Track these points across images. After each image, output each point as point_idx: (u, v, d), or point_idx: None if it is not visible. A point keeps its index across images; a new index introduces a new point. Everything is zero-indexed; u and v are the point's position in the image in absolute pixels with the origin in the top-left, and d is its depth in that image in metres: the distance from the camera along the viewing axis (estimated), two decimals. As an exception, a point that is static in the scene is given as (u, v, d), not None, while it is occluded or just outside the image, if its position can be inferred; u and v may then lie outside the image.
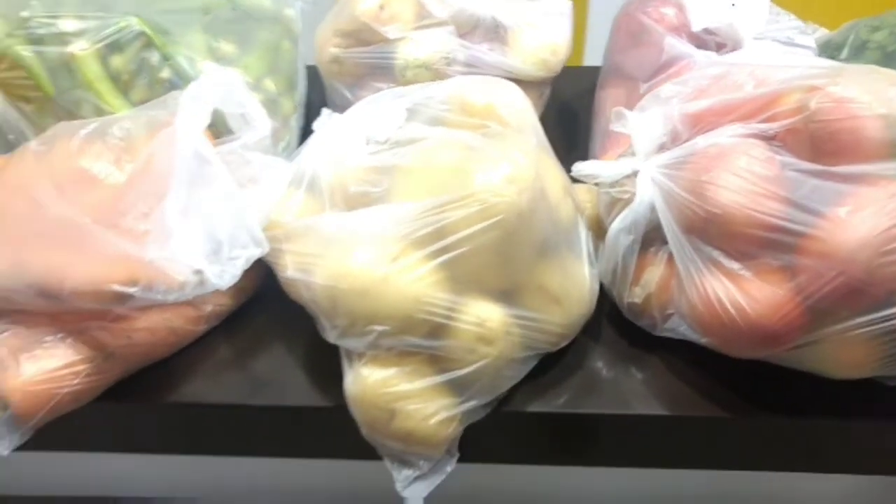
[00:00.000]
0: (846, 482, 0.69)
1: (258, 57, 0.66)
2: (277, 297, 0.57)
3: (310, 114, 0.71)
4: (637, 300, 0.54)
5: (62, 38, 0.61)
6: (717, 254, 0.48)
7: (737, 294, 0.47)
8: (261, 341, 0.58)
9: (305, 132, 0.70)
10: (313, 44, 0.71)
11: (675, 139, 0.52)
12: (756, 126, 0.49)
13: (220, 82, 0.51)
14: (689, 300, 0.50)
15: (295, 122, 0.68)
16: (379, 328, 0.47)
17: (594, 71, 0.75)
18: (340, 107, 0.60)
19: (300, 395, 0.55)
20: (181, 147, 0.49)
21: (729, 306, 0.47)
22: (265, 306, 0.60)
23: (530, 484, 0.71)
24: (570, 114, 0.77)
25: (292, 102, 0.67)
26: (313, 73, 0.73)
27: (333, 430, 0.55)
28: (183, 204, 0.48)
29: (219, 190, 0.49)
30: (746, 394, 0.53)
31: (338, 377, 0.52)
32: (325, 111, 0.58)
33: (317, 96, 0.74)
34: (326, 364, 0.54)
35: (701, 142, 0.50)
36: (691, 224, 0.49)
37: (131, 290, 0.47)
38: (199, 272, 0.46)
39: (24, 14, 0.61)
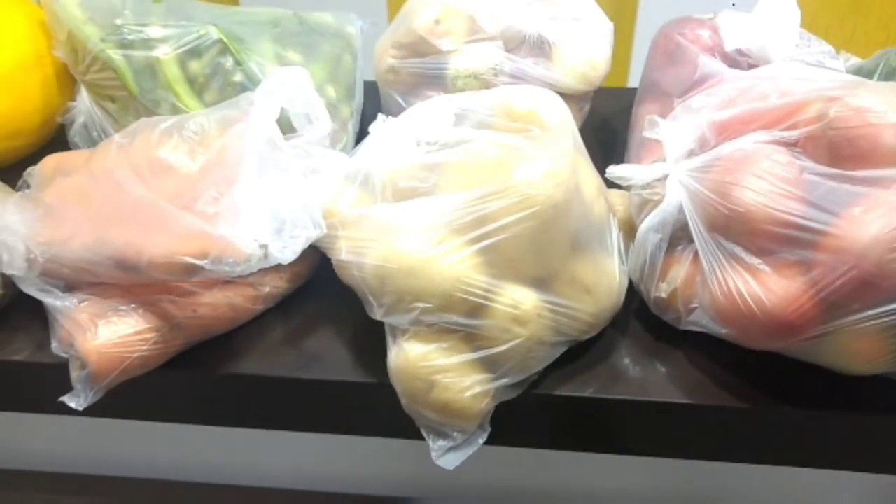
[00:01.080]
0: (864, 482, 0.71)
1: (321, 66, 0.72)
2: (328, 285, 0.62)
3: (364, 122, 0.77)
4: (663, 295, 0.57)
5: (149, 44, 0.68)
6: (738, 250, 0.52)
7: (755, 286, 0.50)
8: (312, 323, 0.63)
9: (360, 138, 0.75)
10: (371, 59, 0.77)
11: (703, 145, 0.56)
12: (778, 133, 0.53)
13: (291, 80, 0.56)
14: (711, 294, 0.53)
15: (351, 128, 0.73)
16: (422, 305, 0.52)
17: (635, 92, 0.79)
18: (395, 113, 0.65)
19: (347, 371, 0.59)
20: (254, 134, 0.55)
21: (748, 298, 0.50)
22: (317, 292, 0.65)
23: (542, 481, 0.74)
24: (609, 129, 0.81)
25: (350, 109, 0.73)
26: (369, 88, 0.79)
27: (375, 405, 0.59)
28: (252, 187, 0.53)
29: (285, 175, 0.54)
30: (764, 385, 0.56)
31: (380, 357, 0.57)
32: (380, 116, 0.63)
33: (371, 108, 0.80)
34: (371, 345, 0.59)
35: (727, 147, 0.54)
36: (716, 222, 0.53)
37: (202, 262, 0.52)
38: (263, 246, 0.51)
39: (118, 21, 0.68)
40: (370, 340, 0.59)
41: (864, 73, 0.71)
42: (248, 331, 0.62)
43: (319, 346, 0.61)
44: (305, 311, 0.64)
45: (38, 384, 0.63)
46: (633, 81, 1.21)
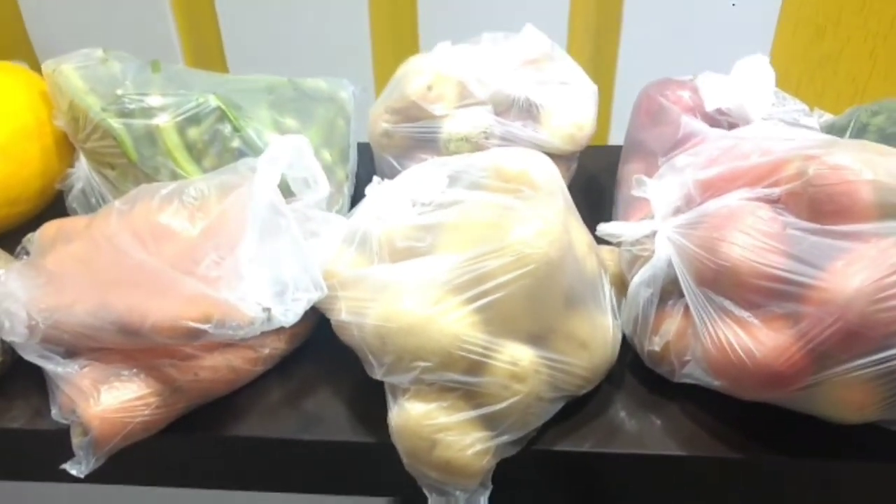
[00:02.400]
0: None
1: (316, 131, 0.74)
2: (325, 344, 0.63)
3: (359, 184, 0.79)
4: (657, 348, 0.58)
5: (148, 112, 0.70)
6: (727, 303, 0.53)
7: (745, 339, 0.52)
8: (310, 383, 0.64)
9: (354, 199, 0.77)
10: (364, 121, 0.79)
11: (689, 203, 0.58)
12: (761, 191, 0.55)
13: (292, 147, 0.58)
14: (703, 346, 0.54)
15: (346, 190, 0.75)
16: (422, 364, 0.53)
17: (618, 149, 0.82)
18: (389, 175, 0.67)
19: (347, 431, 0.60)
20: (257, 199, 0.56)
21: (738, 350, 0.52)
22: (314, 352, 0.66)
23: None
24: (595, 186, 0.83)
25: (345, 172, 0.75)
26: (361, 150, 0.81)
27: (377, 465, 0.59)
28: (254, 251, 0.55)
29: (287, 239, 0.56)
30: (759, 435, 0.57)
31: (380, 416, 0.58)
32: (375, 178, 0.65)
33: (364, 170, 0.82)
34: (370, 404, 0.60)
35: (712, 205, 0.56)
36: (704, 277, 0.55)
37: (205, 326, 0.53)
38: (267, 310, 0.52)
39: (119, 91, 0.70)
40: (369, 400, 0.60)
41: (837, 129, 0.74)
42: (247, 392, 0.62)
43: (319, 406, 0.62)
44: (304, 372, 0.65)
45: (36, 452, 0.63)
46: (614, 139, 1.25)
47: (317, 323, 0.65)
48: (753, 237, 0.53)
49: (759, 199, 0.55)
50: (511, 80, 0.72)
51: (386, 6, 1.27)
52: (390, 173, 0.73)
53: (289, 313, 0.53)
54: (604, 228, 0.60)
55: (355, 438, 0.59)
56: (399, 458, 0.56)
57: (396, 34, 1.30)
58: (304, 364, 0.65)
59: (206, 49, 1.34)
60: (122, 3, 1.27)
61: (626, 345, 0.61)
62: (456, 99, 0.72)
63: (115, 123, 0.70)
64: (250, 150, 0.70)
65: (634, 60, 1.27)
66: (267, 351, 0.62)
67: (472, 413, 0.53)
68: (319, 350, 0.65)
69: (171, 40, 1.31)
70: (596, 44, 1.28)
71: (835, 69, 1.30)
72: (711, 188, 0.57)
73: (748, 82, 0.70)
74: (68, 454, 0.57)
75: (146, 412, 0.57)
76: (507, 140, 0.70)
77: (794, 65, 1.28)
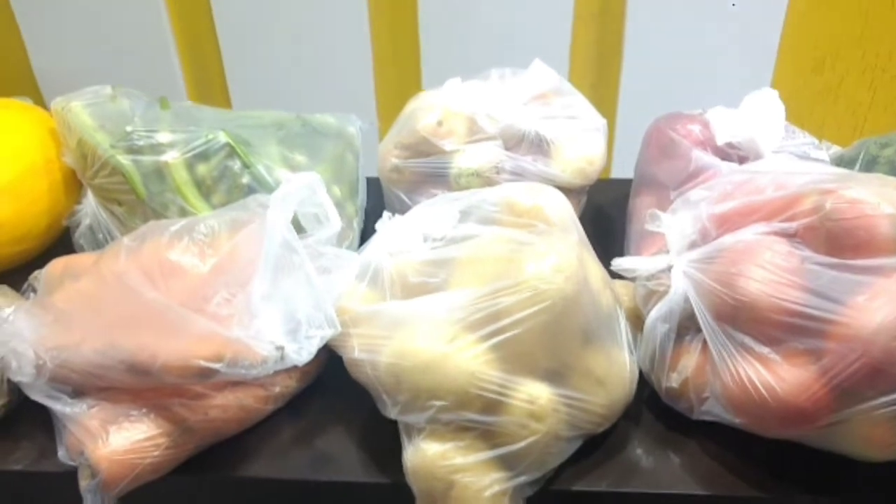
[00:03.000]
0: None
1: (325, 166, 0.73)
2: (335, 382, 0.63)
3: (367, 219, 0.79)
4: (675, 385, 0.58)
5: (157, 149, 0.70)
6: (747, 339, 0.53)
7: (767, 375, 0.51)
8: (320, 422, 0.63)
9: (364, 234, 0.77)
10: (373, 156, 0.79)
11: (704, 237, 0.58)
12: (777, 225, 0.54)
13: (305, 183, 0.58)
14: (722, 383, 0.54)
15: (356, 225, 0.75)
16: (438, 403, 0.52)
17: (622, 182, 0.82)
18: (398, 210, 0.66)
19: (360, 471, 0.59)
20: (270, 236, 0.56)
21: (760, 387, 0.51)
22: (323, 390, 0.65)
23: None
24: (605, 219, 0.83)
25: (354, 207, 0.75)
26: (370, 184, 0.81)
27: (390, 505, 0.58)
28: (267, 288, 0.54)
29: (301, 276, 0.55)
30: (780, 474, 0.56)
31: (393, 456, 0.57)
32: (385, 213, 0.65)
33: (372, 204, 0.82)
34: (381, 443, 0.59)
35: (728, 239, 0.56)
36: (722, 312, 0.54)
37: (217, 365, 0.52)
38: (280, 348, 0.52)
39: (128, 128, 0.70)
40: (381, 439, 0.59)
41: (846, 161, 0.74)
42: (257, 431, 0.61)
43: (330, 445, 0.61)
44: (314, 410, 0.64)
45: (40, 494, 0.62)
46: (616, 172, 1.25)
47: (325, 361, 0.64)
48: (771, 272, 0.52)
49: (775, 234, 0.54)
50: (520, 114, 0.72)
51: (388, 42, 1.29)
52: (400, 208, 0.73)
53: (302, 351, 0.52)
54: (619, 263, 0.60)
55: (368, 479, 0.58)
56: (414, 498, 0.55)
57: (399, 68, 1.31)
58: (314, 402, 0.64)
59: (209, 84, 1.35)
60: (126, 39, 1.28)
61: (643, 381, 0.60)
62: (466, 134, 0.72)
63: (124, 160, 0.70)
64: (260, 186, 0.70)
65: (635, 94, 1.28)
66: (277, 389, 0.61)
67: (490, 453, 0.52)
68: (329, 387, 0.65)
69: (174, 76, 1.32)
70: (597, 77, 1.29)
71: (835, 101, 1.31)
72: (727, 222, 0.57)
73: (758, 116, 0.70)
74: (75, 497, 0.55)
75: (156, 453, 0.56)
76: (518, 175, 0.70)
77: (793, 97, 1.29)
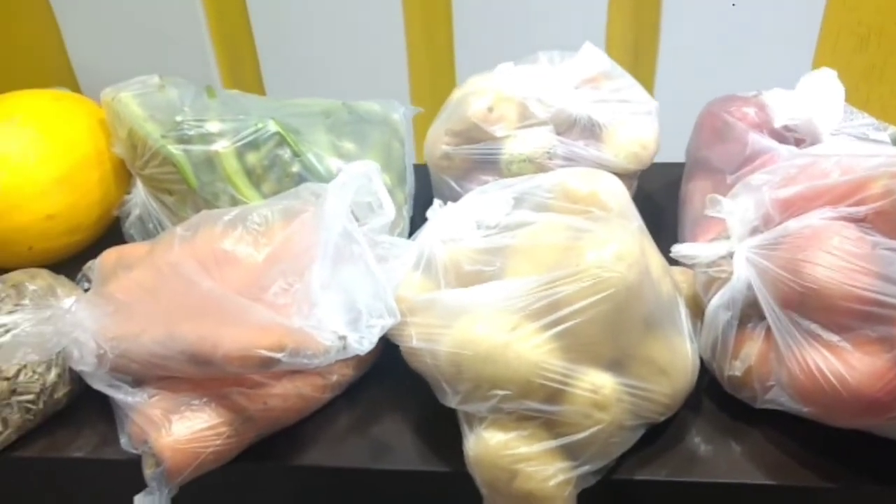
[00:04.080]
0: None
1: (374, 154, 0.73)
2: (389, 370, 0.62)
3: (415, 206, 0.78)
4: (737, 373, 0.57)
5: (208, 138, 0.70)
6: (815, 327, 0.52)
7: (837, 364, 0.50)
8: (377, 410, 0.63)
9: (412, 221, 0.76)
10: (418, 144, 0.79)
11: (767, 223, 0.57)
12: (845, 209, 0.53)
13: (362, 172, 0.58)
14: (789, 371, 0.53)
15: (406, 213, 0.74)
16: (500, 392, 0.51)
17: (667, 166, 0.81)
18: (447, 198, 0.66)
19: (418, 460, 0.58)
20: (330, 226, 0.55)
21: (830, 376, 0.50)
22: (378, 378, 0.65)
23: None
24: (654, 205, 0.82)
25: (403, 195, 0.74)
26: (416, 171, 0.81)
27: (451, 495, 0.58)
28: (326, 277, 0.54)
29: (361, 265, 0.55)
30: (846, 463, 0.55)
31: (450, 444, 0.56)
32: (436, 201, 0.65)
33: (419, 192, 0.81)
34: (439, 432, 0.59)
35: (793, 224, 0.55)
36: (788, 299, 0.53)
37: (279, 355, 0.52)
38: (342, 338, 0.51)
39: (178, 118, 0.70)
40: (438, 427, 0.59)
41: (906, 142, 0.73)
42: (314, 420, 0.62)
43: (387, 433, 0.61)
44: (370, 398, 0.64)
45: (100, 481, 0.63)
46: (658, 156, 1.24)
47: (382, 348, 0.64)
48: (841, 258, 0.51)
49: (843, 219, 0.53)
50: (571, 99, 0.71)
51: (422, 28, 1.27)
52: (450, 195, 0.72)
53: (364, 341, 0.52)
54: (679, 250, 0.59)
55: (426, 468, 0.58)
56: (471, 487, 0.55)
57: (433, 55, 1.30)
58: (370, 390, 0.64)
59: (242, 73, 1.35)
60: (161, 28, 1.28)
61: (703, 369, 0.59)
62: (517, 120, 0.71)
63: (175, 150, 0.70)
64: (310, 174, 0.70)
65: (672, 77, 1.26)
66: (335, 378, 0.61)
67: (553, 443, 0.52)
68: (385, 376, 0.64)
69: (208, 65, 1.32)
70: (633, 60, 1.27)
71: (879, 79, 1.28)
72: (791, 207, 0.56)
73: (816, 97, 0.68)
74: (134, 483, 0.56)
75: (217, 442, 0.56)
76: (571, 160, 0.69)
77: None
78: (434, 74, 1.33)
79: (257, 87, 1.34)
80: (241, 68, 1.34)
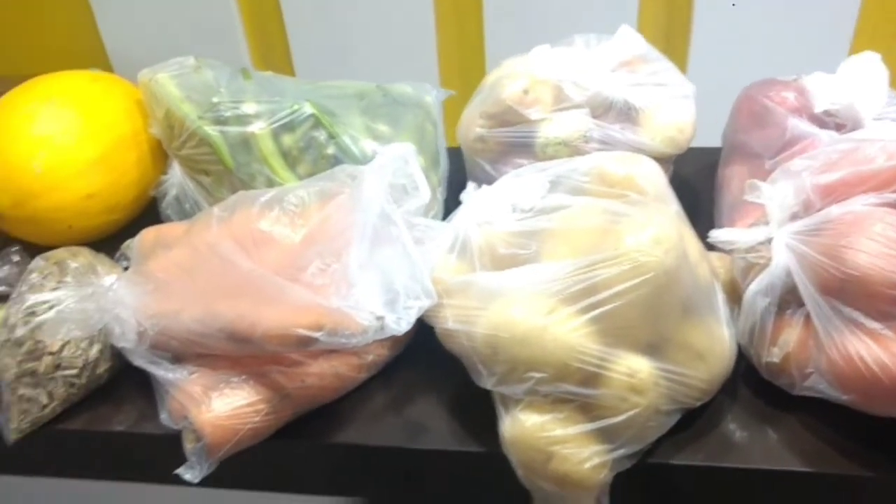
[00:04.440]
0: None
1: (408, 136, 0.73)
2: (423, 351, 0.63)
3: (447, 189, 0.78)
4: (775, 360, 0.56)
5: (243, 120, 0.70)
6: (856, 314, 0.51)
7: (879, 352, 0.50)
8: (412, 390, 0.63)
9: (445, 204, 0.77)
10: (452, 127, 0.78)
11: (807, 208, 0.56)
12: (889, 196, 0.53)
13: (399, 154, 0.58)
14: (829, 359, 0.52)
15: (440, 196, 0.74)
16: (537, 374, 0.52)
17: (704, 151, 0.80)
18: (481, 180, 0.66)
19: (454, 440, 0.59)
20: (368, 207, 0.56)
21: (871, 364, 0.50)
22: (413, 359, 0.65)
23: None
24: (689, 189, 0.81)
25: (437, 177, 0.74)
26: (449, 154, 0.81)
27: (486, 475, 0.59)
28: (363, 258, 0.54)
29: (398, 247, 0.55)
30: (888, 451, 0.54)
31: (485, 426, 0.57)
32: (470, 184, 0.65)
33: (451, 175, 0.81)
34: (473, 413, 0.59)
35: (835, 210, 0.54)
36: (829, 286, 0.52)
37: (317, 334, 0.53)
38: (380, 318, 0.52)
39: (215, 99, 0.70)
40: (472, 408, 0.60)
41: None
42: (350, 399, 0.62)
43: (421, 414, 0.61)
44: (405, 379, 0.64)
45: (139, 455, 0.64)
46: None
47: (417, 329, 0.64)
48: (884, 244, 0.50)
49: (887, 205, 0.52)
50: (607, 82, 0.70)
51: (451, 11, 1.27)
52: (484, 178, 0.72)
53: (401, 322, 0.53)
54: (717, 235, 0.59)
55: (461, 448, 0.59)
56: (505, 468, 0.55)
57: (462, 40, 1.30)
58: (404, 371, 0.64)
59: (272, 54, 1.35)
60: (191, 9, 1.29)
61: (739, 355, 0.59)
62: (552, 102, 0.71)
63: (212, 131, 0.70)
64: (345, 156, 0.70)
65: (706, 61, 1.24)
66: (371, 358, 0.62)
67: (589, 426, 0.52)
68: (418, 357, 0.65)
69: (238, 46, 1.33)
70: (665, 45, 1.25)
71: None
72: (833, 193, 0.55)
73: (859, 81, 0.67)
74: (171, 457, 0.57)
75: (256, 419, 0.57)
76: (606, 144, 0.69)
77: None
78: (463, 59, 1.32)
79: (287, 68, 1.35)
80: (272, 50, 1.35)
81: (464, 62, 1.33)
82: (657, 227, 0.53)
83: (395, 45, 1.30)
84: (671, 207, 0.57)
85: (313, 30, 1.31)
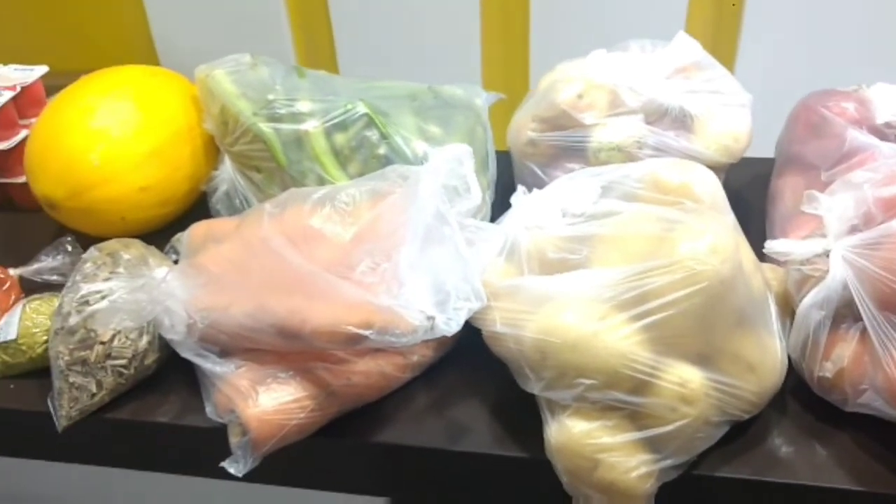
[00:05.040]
0: None
1: (458, 138, 0.73)
2: (466, 354, 0.63)
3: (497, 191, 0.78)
4: (828, 375, 0.55)
5: (298, 118, 0.71)
6: (916, 330, 0.50)
7: (940, 370, 0.48)
8: (455, 393, 0.63)
9: (493, 207, 0.76)
10: (495, 130, 0.78)
11: (867, 222, 0.55)
12: (954, 211, 0.51)
13: (454, 156, 0.58)
14: (886, 375, 0.51)
15: (488, 198, 0.74)
16: (587, 381, 0.51)
17: (754, 161, 0.79)
18: (531, 185, 0.65)
19: (497, 444, 0.59)
20: (422, 207, 0.56)
21: (932, 382, 0.48)
22: (456, 361, 0.65)
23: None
24: (740, 200, 0.80)
25: (486, 180, 0.74)
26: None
27: (528, 481, 0.58)
28: (415, 258, 0.54)
29: (450, 247, 0.55)
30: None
31: (529, 431, 0.57)
32: (520, 188, 0.64)
33: (497, 177, 0.81)
34: (516, 417, 0.59)
35: (897, 224, 0.53)
36: (888, 301, 0.51)
37: (367, 332, 0.53)
38: (431, 318, 0.52)
39: (270, 97, 0.71)
40: (515, 412, 0.59)
41: None
42: (393, 399, 0.62)
43: (464, 416, 0.61)
44: (448, 381, 0.64)
45: (184, 445, 0.65)
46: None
47: (462, 332, 0.64)
48: (948, 261, 0.49)
49: (951, 221, 0.51)
50: (663, 88, 0.70)
51: (498, 14, 1.27)
52: (533, 182, 0.72)
53: (451, 322, 0.53)
54: (773, 246, 0.58)
55: (504, 452, 0.58)
56: (550, 475, 0.55)
57: (507, 43, 1.30)
58: (448, 373, 0.64)
59: (317, 53, 1.36)
60: (240, 8, 1.31)
61: (789, 369, 0.58)
62: (606, 108, 0.70)
63: (266, 128, 0.71)
64: (397, 157, 0.70)
65: (752, 71, 1.23)
66: (416, 358, 0.62)
67: (637, 434, 0.52)
68: (462, 359, 0.65)
69: (284, 44, 1.34)
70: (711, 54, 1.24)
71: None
72: (895, 207, 0.54)
73: (923, 93, 0.66)
74: (213, 450, 0.58)
75: (301, 415, 0.57)
76: (660, 150, 0.68)
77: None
78: (507, 63, 1.32)
79: (331, 68, 1.36)
80: (317, 48, 1.36)
81: (508, 66, 1.33)
82: (714, 235, 0.52)
83: (440, 48, 1.31)
84: (729, 216, 0.56)
85: (359, 30, 1.32)
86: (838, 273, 0.54)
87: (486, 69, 1.33)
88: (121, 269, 0.66)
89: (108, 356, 0.62)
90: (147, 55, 1.38)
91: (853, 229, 0.56)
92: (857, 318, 0.54)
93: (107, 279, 0.65)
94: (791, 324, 0.58)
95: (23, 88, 0.84)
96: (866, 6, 1.16)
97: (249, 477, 0.57)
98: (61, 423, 0.62)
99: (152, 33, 1.39)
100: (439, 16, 1.28)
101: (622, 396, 0.51)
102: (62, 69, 0.92)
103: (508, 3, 1.26)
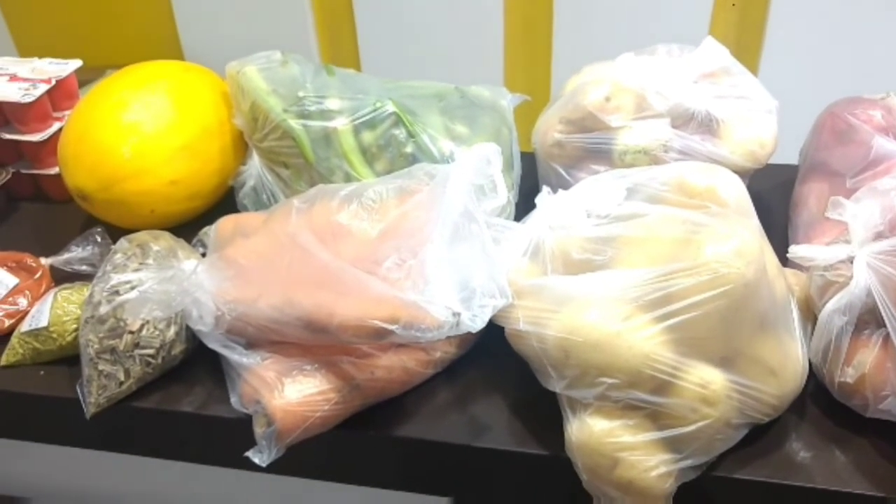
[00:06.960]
0: None
1: (484, 138, 0.74)
2: (490, 351, 0.63)
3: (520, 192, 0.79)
4: (849, 380, 0.56)
5: (327, 115, 0.72)
6: (940, 338, 0.50)
7: (963, 378, 0.49)
8: (476, 389, 0.64)
9: (517, 208, 0.77)
10: (519, 131, 0.79)
11: (893, 229, 0.55)
12: (981, 220, 0.51)
13: (483, 155, 0.59)
14: (908, 382, 0.51)
15: (512, 198, 0.75)
16: (609, 380, 0.52)
17: (778, 168, 0.79)
18: (555, 186, 0.66)
19: (513, 440, 0.59)
20: (451, 205, 0.57)
21: (955, 389, 0.49)
22: (477, 358, 0.66)
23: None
24: (763, 205, 0.80)
25: (510, 180, 0.75)
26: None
27: (548, 478, 0.59)
28: (441, 255, 0.55)
29: (477, 245, 0.56)
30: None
31: (549, 428, 0.57)
32: (545, 188, 0.65)
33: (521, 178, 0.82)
34: (536, 415, 0.60)
35: (922, 232, 0.53)
36: (912, 309, 0.52)
37: (393, 327, 0.54)
38: (456, 314, 0.53)
39: (300, 94, 0.72)
40: (535, 411, 0.60)
41: None
42: (415, 394, 0.63)
43: (485, 412, 0.62)
44: (469, 377, 0.65)
45: (209, 435, 0.66)
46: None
47: (484, 329, 0.65)
48: (974, 269, 0.49)
49: (977, 229, 0.51)
50: (690, 93, 0.70)
51: (520, 17, 1.27)
52: (558, 183, 0.72)
53: (476, 319, 0.53)
54: (797, 251, 0.58)
55: (523, 449, 0.59)
56: (568, 472, 0.55)
57: (530, 46, 1.30)
58: (470, 369, 0.65)
59: (341, 49, 1.37)
60: (265, 6, 1.32)
61: (809, 374, 0.58)
62: (633, 111, 0.71)
63: (296, 124, 0.72)
64: (423, 155, 0.71)
65: (775, 78, 1.22)
66: (438, 354, 0.63)
67: (658, 434, 0.52)
68: (485, 356, 0.65)
69: (308, 42, 1.35)
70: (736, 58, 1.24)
71: None
72: (921, 215, 0.54)
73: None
74: (237, 440, 0.59)
75: (326, 407, 0.58)
76: (686, 154, 0.69)
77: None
78: (529, 66, 1.32)
79: (354, 66, 1.36)
80: (340, 46, 1.37)
81: (530, 69, 1.33)
82: (739, 239, 0.53)
83: (463, 50, 1.31)
84: (754, 220, 0.56)
85: (382, 30, 1.33)
86: (862, 279, 0.55)
87: (508, 71, 1.34)
88: (150, 261, 0.67)
89: (137, 345, 0.64)
90: (172, 51, 1.40)
91: (878, 236, 0.56)
92: (880, 324, 0.54)
93: (136, 270, 0.66)
94: (812, 329, 0.59)
95: (57, 82, 0.85)
96: (895, 13, 1.15)
97: (272, 468, 0.58)
98: (90, 409, 0.63)
99: (178, 29, 1.40)
100: (462, 17, 1.28)
101: (644, 396, 0.52)
102: (91, 65, 0.93)
103: (532, 7, 1.26)
